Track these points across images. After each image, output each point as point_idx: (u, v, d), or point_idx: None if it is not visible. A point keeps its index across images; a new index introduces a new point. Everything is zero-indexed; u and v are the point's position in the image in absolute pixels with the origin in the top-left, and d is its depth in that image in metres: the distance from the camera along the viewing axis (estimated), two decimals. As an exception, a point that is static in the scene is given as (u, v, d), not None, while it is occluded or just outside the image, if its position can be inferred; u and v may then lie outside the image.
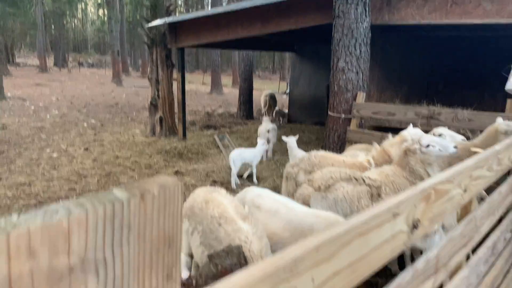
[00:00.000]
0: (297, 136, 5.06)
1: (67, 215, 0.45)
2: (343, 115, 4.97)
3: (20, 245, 0.42)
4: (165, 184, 0.55)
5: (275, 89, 22.26)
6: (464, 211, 1.83)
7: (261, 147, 5.67)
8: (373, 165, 3.00)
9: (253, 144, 6.19)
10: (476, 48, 7.85)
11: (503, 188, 2.23)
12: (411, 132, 2.85)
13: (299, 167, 3.25)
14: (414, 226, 1.21)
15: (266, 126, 7.03)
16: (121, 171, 5.75)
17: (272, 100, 11.55)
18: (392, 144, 3.01)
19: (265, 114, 10.77)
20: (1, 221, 0.44)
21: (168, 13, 8.73)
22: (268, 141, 6.66)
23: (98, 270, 0.49)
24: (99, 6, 28.18)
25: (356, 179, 2.37)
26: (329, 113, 5.11)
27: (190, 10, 36.27)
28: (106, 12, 26.24)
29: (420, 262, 1.34)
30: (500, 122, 2.93)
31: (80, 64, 36.69)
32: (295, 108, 11.65)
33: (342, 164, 3.08)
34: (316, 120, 10.14)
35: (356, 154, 3.49)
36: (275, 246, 2.37)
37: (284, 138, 4.94)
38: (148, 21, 8.32)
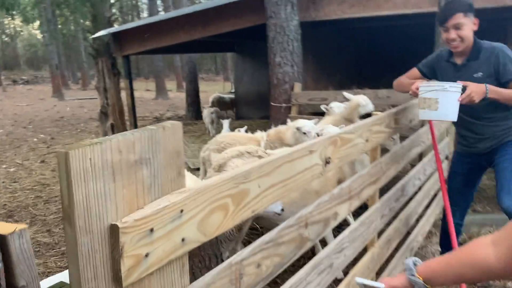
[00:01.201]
0: (245, 127, 5.62)
1: (133, 134, 0.94)
2: (283, 105, 5.57)
3: (114, 146, 0.90)
4: (174, 123, 1.05)
5: (220, 89, 22.71)
6: (372, 158, 2.43)
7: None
8: (265, 139, 3.62)
9: (206, 142, 6.66)
10: (394, 36, 8.77)
11: (405, 143, 2.88)
12: (302, 122, 3.54)
13: (209, 149, 3.73)
14: (327, 161, 1.76)
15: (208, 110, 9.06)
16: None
17: (219, 102, 11.90)
18: (287, 128, 3.65)
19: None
20: (102, 139, 0.91)
21: (110, 23, 8.98)
22: (212, 122, 8.95)
23: (147, 163, 0.97)
24: (29, 20, 27.22)
25: (249, 153, 2.87)
26: (271, 103, 5.70)
27: (125, 18, 35.88)
28: (39, 26, 25.49)
29: (335, 189, 1.90)
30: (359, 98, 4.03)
31: (15, 82, 35.24)
32: (241, 105, 12.20)
33: (245, 140, 3.66)
34: (263, 114, 10.73)
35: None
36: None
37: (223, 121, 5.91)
38: (91, 33, 8.55)
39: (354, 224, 2.14)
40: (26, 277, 0.81)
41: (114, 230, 0.87)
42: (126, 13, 39.91)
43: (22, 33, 50.11)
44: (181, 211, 1.01)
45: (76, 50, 33.56)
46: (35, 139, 9.86)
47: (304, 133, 3.27)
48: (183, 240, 1.03)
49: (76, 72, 39.25)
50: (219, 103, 11.77)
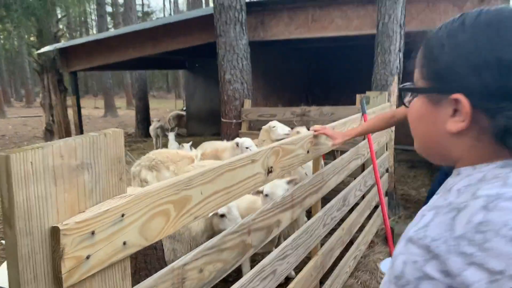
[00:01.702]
0: (189, 143, 5.75)
1: (74, 140, 0.97)
2: (234, 120, 5.66)
3: (56, 151, 0.93)
4: (115, 130, 1.09)
5: (171, 107, 22.57)
6: (315, 168, 2.56)
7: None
8: (199, 158, 3.73)
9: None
10: (339, 56, 9.20)
11: (345, 155, 3.04)
12: (241, 141, 3.69)
13: (141, 165, 3.78)
14: (269, 171, 1.85)
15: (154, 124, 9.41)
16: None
17: (176, 119, 11.80)
18: (225, 148, 3.78)
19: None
20: (44, 144, 0.94)
21: (56, 39, 8.77)
22: (158, 136, 9.38)
23: (88, 168, 1.01)
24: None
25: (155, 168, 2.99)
26: (222, 120, 5.78)
27: (73, 34, 35.01)
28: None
29: (278, 198, 1.99)
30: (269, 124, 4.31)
31: (-49, 98, 33.13)
32: (193, 122, 12.20)
33: (178, 158, 3.74)
34: (215, 131, 10.80)
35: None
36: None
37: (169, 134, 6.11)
38: (36, 48, 8.31)
39: (297, 232, 2.23)
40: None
41: (55, 232, 0.90)
42: (74, 29, 38.94)
43: (-40, 47, 47.47)
44: (122, 215, 1.05)
45: (20, 65, 32.21)
46: (-28, 158, 9.31)
47: (247, 148, 3.38)
48: (124, 243, 1.06)
49: (19, 89, 37.58)
50: (179, 119, 11.76)
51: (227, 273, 1.56)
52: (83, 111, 9.59)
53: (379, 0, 4.28)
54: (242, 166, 1.62)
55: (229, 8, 5.35)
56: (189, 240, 2.76)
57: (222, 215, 2.62)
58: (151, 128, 9.56)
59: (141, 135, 12.37)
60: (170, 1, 44.87)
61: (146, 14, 41.09)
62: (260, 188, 3.72)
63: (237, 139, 3.57)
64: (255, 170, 1.72)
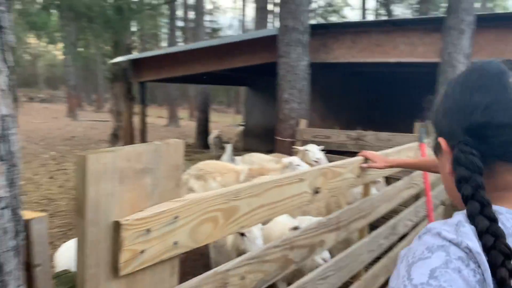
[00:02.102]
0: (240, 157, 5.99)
1: (141, 147, 1.10)
2: (288, 139, 5.75)
3: (124, 155, 1.07)
4: (176, 140, 1.21)
5: (230, 121, 23.06)
6: (364, 193, 2.57)
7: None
8: (245, 173, 3.78)
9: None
10: (402, 82, 9.04)
11: (398, 183, 3.02)
12: (290, 159, 3.73)
13: (189, 174, 3.89)
14: (316, 191, 1.91)
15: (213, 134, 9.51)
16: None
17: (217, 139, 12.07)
18: (274, 168, 3.83)
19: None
20: (115, 148, 1.07)
21: (129, 50, 9.40)
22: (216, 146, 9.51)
23: (150, 172, 1.13)
24: (53, 42, 28.18)
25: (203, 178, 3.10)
26: (276, 137, 5.89)
27: (145, 46, 36.94)
28: (62, 48, 26.33)
29: (323, 219, 2.04)
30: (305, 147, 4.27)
31: (31, 99, 36.15)
32: (249, 138, 12.43)
33: (225, 170, 3.82)
34: (269, 148, 10.94)
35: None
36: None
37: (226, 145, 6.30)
38: (111, 58, 8.94)
39: (341, 254, 2.26)
40: (41, 257, 0.96)
41: (117, 226, 1.02)
42: (146, 41, 41.14)
43: (44, 53, 51.59)
44: (176, 217, 1.16)
45: (93, 73, 34.46)
46: (45, 156, 10.11)
47: (298, 165, 3.44)
48: (175, 243, 1.17)
49: (91, 94, 40.15)
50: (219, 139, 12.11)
51: (268, 284, 1.63)
52: (147, 119, 10.11)
53: (445, 29, 4.23)
54: (289, 184, 1.70)
55: (293, 30, 5.49)
56: (226, 255, 2.84)
57: (242, 234, 2.65)
58: (210, 137, 9.92)
59: (200, 146, 12.78)
60: (237, 19, 46.18)
61: (214, 31, 42.54)
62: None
63: (288, 159, 3.64)
64: (302, 189, 1.79)
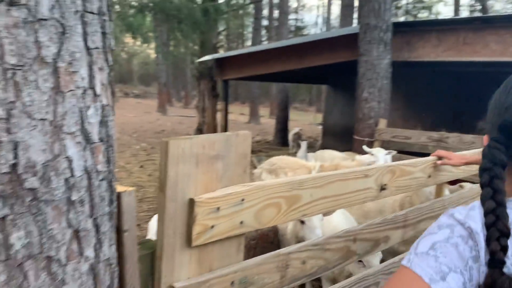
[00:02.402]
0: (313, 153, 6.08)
1: (214, 136, 1.26)
2: (366, 139, 5.70)
3: (200, 142, 1.23)
4: (245, 132, 1.36)
5: (310, 120, 23.01)
6: (437, 194, 2.53)
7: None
8: (316, 170, 3.79)
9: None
10: (492, 82, 8.39)
11: (476, 186, 2.91)
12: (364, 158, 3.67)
13: (262, 168, 4.01)
14: (382, 188, 1.95)
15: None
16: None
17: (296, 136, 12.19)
18: (348, 166, 3.80)
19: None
20: (192, 136, 1.24)
21: (215, 50, 9.86)
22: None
23: (221, 159, 1.29)
24: (147, 41, 30.14)
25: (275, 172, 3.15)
26: (355, 137, 5.86)
27: (231, 45, 38.09)
28: (155, 47, 28.10)
29: (389, 216, 2.07)
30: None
31: (126, 94, 39.14)
32: (328, 137, 12.37)
33: (295, 165, 3.86)
34: (348, 147, 10.82)
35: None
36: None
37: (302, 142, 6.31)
38: (198, 57, 9.45)
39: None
40: (128, 224, 1.16)
41: (191, 203, 1.19)
42: (232, 40, 42.43)
43: (138, 52, 55.40)
44: (242, 200, 1.31)
45: (183, 71, 36.30)
46: (137, 147, 10.97)
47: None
48: (241, 222, 1.32)
49: (180, 91, 42.36)
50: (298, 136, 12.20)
51: (328, 271, 1.72)
52: (230, 116, 10.54)
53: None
54: (354, 179, 1.77)
55: (375, 28, 5.42)
56: (287, 244, 2.96)
57: (302, 222, 2.74)
58: (290, 134, 10.10)
59: (279, 144, 13.00)
60: (322, 17, 45.77)
61: (298, 29, 42.58)
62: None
63: (363, 157, 3.65)
64: (367, 184, 1.84)
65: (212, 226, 1.23)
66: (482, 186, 0.75)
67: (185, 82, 36.57)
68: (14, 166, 0.91)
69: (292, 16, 38.89)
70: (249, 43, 37.69)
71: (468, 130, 6.40)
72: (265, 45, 13.28)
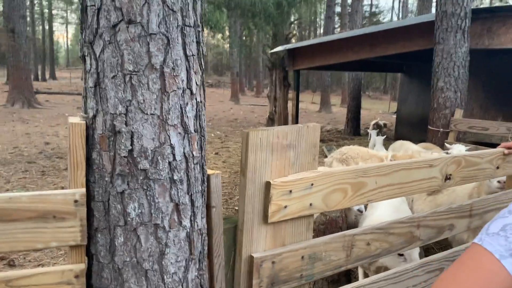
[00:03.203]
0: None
1: (287, 128, 1.44)
2: (441, 129, 5.56)
3: (275, 133, 1.42)
4: (315, 124, 1.52)
5: (385, 108, 22.39)
6: (508, 185, 2.52)
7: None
8: (389, 159, 3.76)
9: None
10: None
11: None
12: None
13: (333, 157, 4.09)
14: (447, 177, 2.02)
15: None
16: (245, 171, 7.03)
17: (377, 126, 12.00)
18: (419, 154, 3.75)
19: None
20: (268, 128, 1.43)
21: (287, 40, 10.00)
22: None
23: (293, 148, 1.47)
24: (222, 33, 30.99)
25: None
26: (429, 127, 5.74)
27: (303, 33, 37.88)
28: (228, 39, 28.79)
29: (454, 205, 2.13)
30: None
31: (202, 84, 40.43)
32: (402, 126, 12.06)
33: (366, 155, 3.87)
34: (422, 138, 10.49)
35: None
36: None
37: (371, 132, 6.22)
38: (270, 48, 9.66)
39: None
40: (215, 201, 1.38)
41: (268, 185, 1.39)
42: (304, 29, 42.14)
43: (212, 42, 56.88)
44: (312, 184, 1.48)
45: (255, 60, 36.80)
46: (212, 135, 11.49)
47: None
48: (310, 204, 1.49)
49: (252, 80, 43.02)
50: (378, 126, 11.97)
51: (392, 254, 1.84)
52: (300, 105, 10.65)
53: None
54: (418, 168, 1.86)
55: (452, 16, 5.25)
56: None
57: (360, 211, 2.87)
58: (371, 124, 10.00)
59: (350, 133, 12.89)
60: (399, 1, 43.85)
61: (373, 15, 41.21)
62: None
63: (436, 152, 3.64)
64: (431, 174, 1.93)
65: (285, 206, 1.42)
66: None
67: (256, 71, 37.10)
68: (130, 151, 1.16)
69: (366, 2, 37.70)
70: (321, 30, 37.15)
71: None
72: (337, 34, 13.16)
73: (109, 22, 1.12)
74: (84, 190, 1.16)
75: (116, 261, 1.19)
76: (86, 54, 1.17)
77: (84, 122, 1.18)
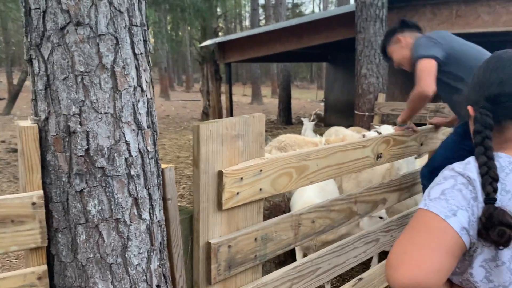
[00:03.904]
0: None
1: (235, 119, 1.53)
2: (367, 113, 5.95)
3: (224, 125, 1.50)
4: (260, 114, 1.62)
5: (312, 97, 23.16)
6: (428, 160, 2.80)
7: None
8: (323, 143, 4.08)
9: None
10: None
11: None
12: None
13: (271, 146, 4.33)
14: (379, 156, 2.22)
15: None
16: (184, 167, 6.99)
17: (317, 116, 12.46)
18: (345, 137, 4.08)
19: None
20: (217, 120, 1.51)
21: (216, 33, 10.03)
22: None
23: (241, 137, 1.55)
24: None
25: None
26: (355, 112, 6.10)
27: (229, 26, 37.93)
28: (152, 32, 28.06)
29: (385, 180, 2.35)
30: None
31: (128, 82, 39.10)
32: (330, 113, 12.62)
33: (302, 142, 4.16)
34: (350, 123, 11.06)
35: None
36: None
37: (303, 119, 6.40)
38: (199, 41, 9.64)
39: (403, 212, 2.55)
40: (171, 194, 1.44)
41: (220, 174, 1.46)
42: (230, 21, 42.18)
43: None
44: (260, 170, 1.58)
45: (183, 54, 36.25)
46: (145, 133, 11.23)
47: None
48: (260, 189, 1.59)
49: (181, 75, 42.38)
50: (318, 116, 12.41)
51: (334, 228, 2.01)
52: (232, 98, 10.75)
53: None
54: (353, 149, 2.04)
55: (370, 6, 5.61)
56: None
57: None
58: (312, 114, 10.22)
59: (282, 122, 13.24)
60: (319, -7, 45.32)
61: (296, 6, 42.20)
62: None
63: (365, 133, 3.92)
64: (365, 153, 2.11)
65: (238, 193, 1.51)
66: (475, 145, 1.00)
67: (185, 66, 36.62)
68: (87, 150, 1.18)
69: (289, -6, 38.55)
70: (247, 23, 37.42)
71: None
72: (265, 27, 13.42)
73: (57, 24, 1.13)
74: (41, 192, 1.17)
75: (79, 259, 1.21)
76: (34, 57, 1.17)
77: (36, 125, 1.18)
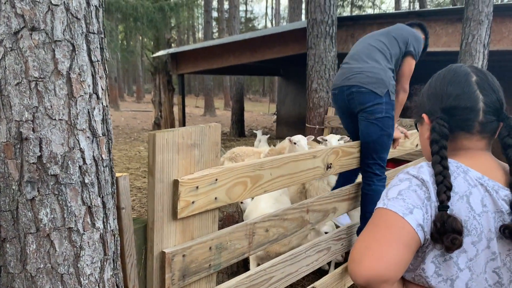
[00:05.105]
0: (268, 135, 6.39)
1: (191, 128, 1.54)
2: (317, 126, 6.12)
3: (180, 134, 1.51)
4: (216, 124, 1.65)
5: (265, 110, 23.43)
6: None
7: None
8: (264, 154, 4.25)
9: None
10: (427, 70, 9.13)
11: (410, 164, 3.35)
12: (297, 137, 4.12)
13: (224, 157, 4.49)
14: (328, 166, 2.31)
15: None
16: (134, 178, 6.83)
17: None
18: (284, 147, 4.27)
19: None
20: (173, 129, 1.52)
21: (169, 44, 9.96)
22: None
23: (197, 146, 1.57)
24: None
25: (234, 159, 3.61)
26: (306, 125, 6.26)
27: (182, 37, 37.73)
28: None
29: (336, 190, 2.44)
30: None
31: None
32: (282, 126, 12.83)
33: (250, 152, 4.35)
34: (302, 135, 11.33)
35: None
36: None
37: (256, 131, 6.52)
38: (152, 52, 9.54)
39: (352, 222, 2.65)
40: (125, 203, 1.42)
41: (176, 183, 1.47)
42: (182, 32, 41.98)
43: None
44: (216, 179, 1.60)
45: (134, 64, 35.57)
46: (93, 144, 10.88)
47: (295, 143, 3.89)
48: (215, 198, 1.61)
49: (131, 86, 41.50)
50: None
51: (287, 237, 2.05)
52: (185, 109, 10.69)
53: (464, 20, 4.46)
54: (304, 159, 2.11)
55: (321, 23, 5.81)
56: None
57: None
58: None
59: (235, 135, 13.29)
60: (272, 9, 46.18)
61: (249, 20, 42.78)
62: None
63: (289, 137, 4.11)
64: (315, 164, 2.19)
65: (193, 202, 1.52)
66: (432, 154, 1.08)
67: (136, 76, 35.92)
68: (39, 157, 1.16)
69: (242, 8, 39.01)
70: (200, 35, 37.40)
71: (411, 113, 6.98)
72: (219, 39, 13.51)
73: (10, 28, 1.10)
74: (-11, 200, 1.13)
75: (28, 270, 1.17)
76: (-16, 61, 1.13)
77: (-15, 130, 1.14)
